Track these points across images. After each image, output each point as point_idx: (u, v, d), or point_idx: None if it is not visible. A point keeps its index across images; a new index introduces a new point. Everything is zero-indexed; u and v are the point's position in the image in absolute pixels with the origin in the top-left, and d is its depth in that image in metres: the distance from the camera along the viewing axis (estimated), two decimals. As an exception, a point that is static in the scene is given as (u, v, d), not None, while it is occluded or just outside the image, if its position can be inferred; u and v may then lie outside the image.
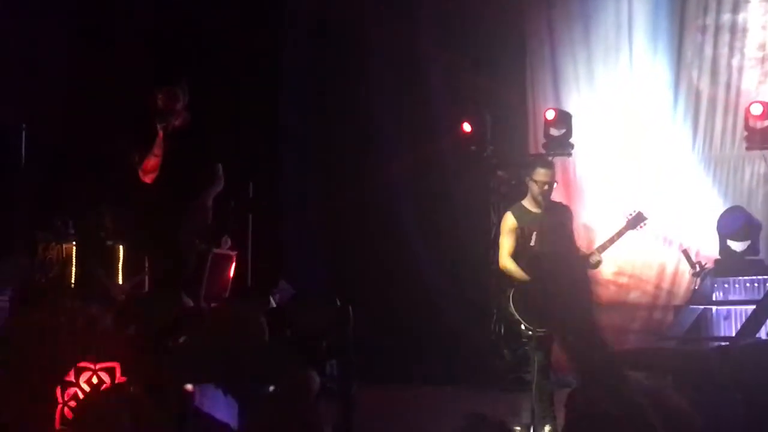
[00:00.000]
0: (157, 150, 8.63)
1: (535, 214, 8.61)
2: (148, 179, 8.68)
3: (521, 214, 8.76)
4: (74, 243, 10.17)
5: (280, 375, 6.30)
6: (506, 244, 8.75)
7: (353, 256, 12.60)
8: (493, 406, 9.19)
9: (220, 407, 4.59)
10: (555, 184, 8.78)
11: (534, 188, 8.66)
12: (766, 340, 7.46)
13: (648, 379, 3.02)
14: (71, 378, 7.46)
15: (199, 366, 6.28)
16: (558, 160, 11.13)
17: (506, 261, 8.73)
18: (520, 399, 8.97)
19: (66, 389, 7.46)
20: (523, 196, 8.87)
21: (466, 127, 12.31)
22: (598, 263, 8.61)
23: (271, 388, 5.90)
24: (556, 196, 8.99)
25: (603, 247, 8.56)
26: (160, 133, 8.63)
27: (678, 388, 2.99)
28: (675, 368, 4.23)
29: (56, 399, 7.44)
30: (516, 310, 8.64)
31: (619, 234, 8.63)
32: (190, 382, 5.28)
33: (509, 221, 8.75)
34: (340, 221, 12.97)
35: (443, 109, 12.93)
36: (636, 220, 8.64)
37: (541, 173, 8.65)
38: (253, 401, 5.62)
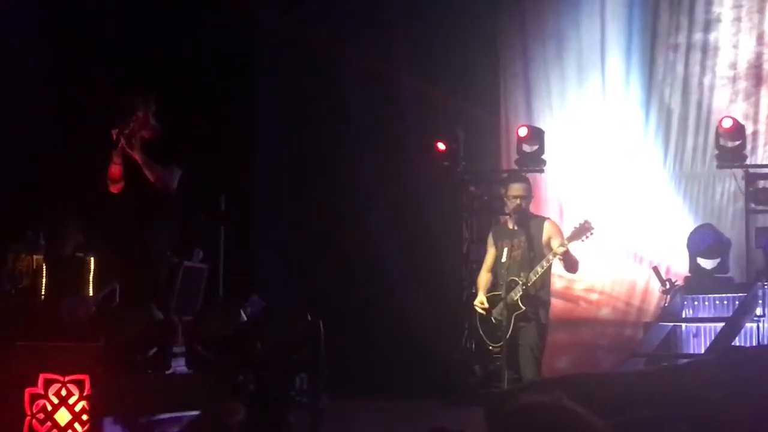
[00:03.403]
0: (117, 158, 8.57)
1: (509, 230, 8.69)
2: (114, 189, 8.64)
3: (498, 231, 8.91)
4: (44, 254, 10.11)
5: (203, 403, 6.34)
6: (485, 260, 8.90)
7: (326, 270, 12.58)
8: (463, 420, 9.19)
9: None
10: (530, 198, 8.82)
11: (508, 204, 8.75)
12: (718, 358, 7.43)
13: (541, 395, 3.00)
14: (40, 390, 7.44)
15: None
16: (530, 177, 11.16)
17: (480, 276, 8.88)
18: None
19: (34, 401, 7.44)
20: (497, 212, 8.92)
21: (440, 146, 12.34)
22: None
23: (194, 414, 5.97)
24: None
25: (548, 261, 8.50)
26: (120, 140, 8.58)
27: (597, 411, 2.96)
28: (595, 391, 4.23)
29: (24, 411, 7.42)
30: (480, 325, 8.73)
31: (562, 245, 8.55)
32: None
33: (488, 238, 8.93)
34: (313, 235, 12.96)
35: (417, 126, 12.96)
36: (580, 231, 8.49)
37: (513, 188, 8.73)
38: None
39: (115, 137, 8.56)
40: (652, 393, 4.28)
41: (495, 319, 8.55)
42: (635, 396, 4.46)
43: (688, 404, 4.18)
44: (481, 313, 8.72)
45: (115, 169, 8.59)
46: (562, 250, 8.35)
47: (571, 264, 8.61)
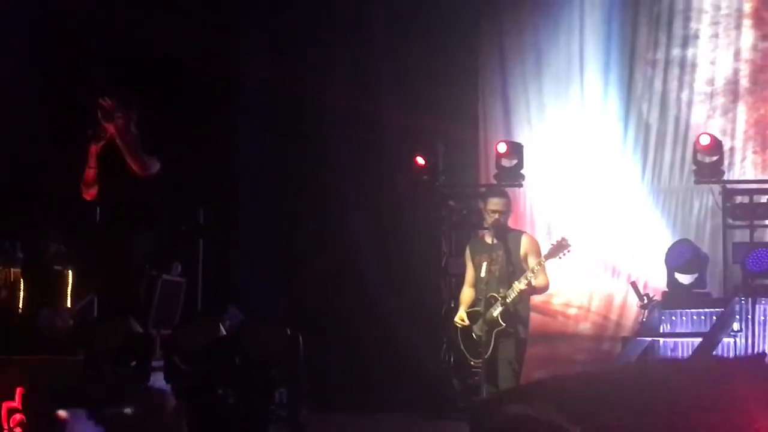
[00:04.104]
0: (92, 161, 8.51)
1: (487, 244, 8.68)
2: (88, 195, 8.57)
3: (475, 246, 8.88)
4: (22, 267, 10.05)
5: (135, 396, 6.37)
6: (466, 276, 8.88)
7: (306, 284, 12.57)
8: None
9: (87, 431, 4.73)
10: (509, 213, 8.82)
11: (486, 218, 8.74)
12: (681, 359, 7.44)
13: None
14: (17, 404, 7.40)
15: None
16: (508, 191, 11.17)
17: (462, 292, 8.87)
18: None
19: (11, 415, 7.40)
20: (476, 226, 8.90)
21: (420, 160, 12.36)
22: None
23: (128, 409, 6.06)
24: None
25: (526, 277, 8.50)
26: (92, 143, 8.50)
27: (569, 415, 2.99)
28: (571, 395, 4.25)
29: (1, 425, 7.37)
30: (461, 341, 8.72)
31: (539, 264, 8.56)
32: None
33: (466, 253, 8.91)
34: (293, 249, 12.95)
35: (397, 140, 12.96)
36: (558, 249, 8.52)
37: (492, 202, 8.72)
38: (114, 423, 5.78)
39: (89, 137, 8.49)
40: (624, 394, 4.31)
41: (476, 335, 8.56)
42: (609, 398, 4.47)
43: (657, 407, 4.21)
44: (462, 329, 8.71)
45: (90, 172, 8.52)
46: (528, 279, 8.36)
47: (537, 291, 8.66)
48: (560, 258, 8.50)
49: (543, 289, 8.70)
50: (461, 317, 8.66)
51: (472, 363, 8.66)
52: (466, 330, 8.66)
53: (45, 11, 11.93)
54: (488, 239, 8.75)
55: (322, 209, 12.89)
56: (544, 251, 8.54)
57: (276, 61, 13.33)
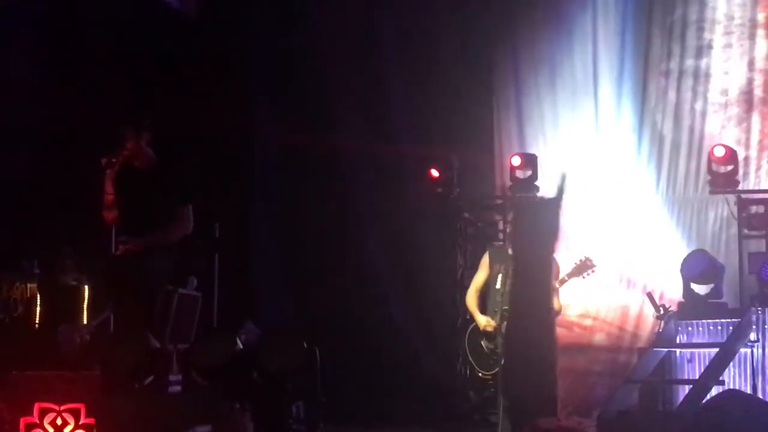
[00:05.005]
0: (109, 188, 8.54)
1: (507, 255, 8.70)
2: (108, 219, 8.58)
3: (496, 253, 8.90)
4: (39, 282, 10.09)
5: (214, 416, 6.40)
6: (475, 279, 8.89)
7: (321, 297, 12.58)
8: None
9: None
10: None
11: (509, 229, 8.78)
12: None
13: None
14: (35, 419, 7.43)
15: None
16: (523, 203, 11.19)
17: (469, 296, 8.88)
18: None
19: (30, 430, 7.43)
20: (491, 238, 8.87)
21: (434, 173, 12.37)
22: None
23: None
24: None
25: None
26: (108, 170, 8.54)
27: None
28: None
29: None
30: (468, 352, 8.73)
31: (562, 282, 8.57)
32: None
33: (484, 258, 8.93)
34: (308, 262, 12.96)
35: (411, 151, 12.98)
36: (581, 268, 8.53)
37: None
38: None
39: (104, 165, 8.53)
40: None
41: (486, 347, 8.56)
42: None
43: None
44: (470, 342, 8.71)
45: (108, 198, 8.56)
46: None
47: None
48: (584, 277, 8.53)
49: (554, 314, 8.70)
50: (487, 320, 8.60)
51: (480, 375, 8.67)
52: (475, 342, 8.66)
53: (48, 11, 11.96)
54: (509, 249, 8.77)
55: (337, 222, 12.91)
56: (567, 269, 8.56)
57: (286, 76, 13.36)
